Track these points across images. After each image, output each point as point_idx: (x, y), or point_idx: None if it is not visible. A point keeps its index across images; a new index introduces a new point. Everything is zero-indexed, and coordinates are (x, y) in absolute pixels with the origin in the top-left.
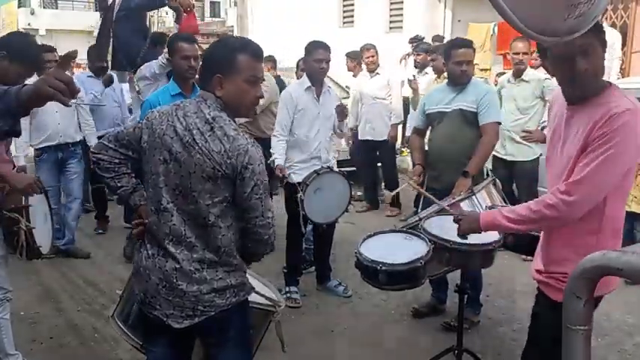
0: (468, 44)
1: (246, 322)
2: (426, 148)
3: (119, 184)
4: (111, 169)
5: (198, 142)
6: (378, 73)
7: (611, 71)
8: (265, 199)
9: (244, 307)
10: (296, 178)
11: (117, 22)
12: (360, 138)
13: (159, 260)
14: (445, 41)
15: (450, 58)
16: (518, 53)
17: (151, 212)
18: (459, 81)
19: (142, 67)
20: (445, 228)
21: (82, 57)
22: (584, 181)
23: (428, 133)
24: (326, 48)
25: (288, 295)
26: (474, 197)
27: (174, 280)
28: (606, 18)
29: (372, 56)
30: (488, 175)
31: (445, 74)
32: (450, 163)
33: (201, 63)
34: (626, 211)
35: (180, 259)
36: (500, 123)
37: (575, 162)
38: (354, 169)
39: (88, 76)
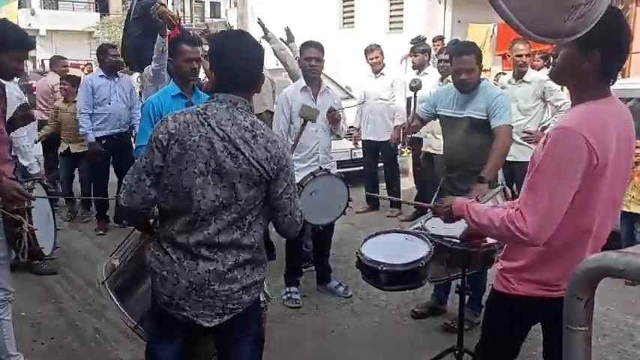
0: (468, 51)
1: (261, 316)
2: (428, 150)
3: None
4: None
5: (244, 151)
6: (382, 74)
7: None
8: (295, 199)
9: (259, 301)
10: None
11: (130, 25)
12: (362, 138)
13: (187, 263)
14: (445, 42)
15: (452, 65)
16: (520, 55)
17: (182, 223)
18: (461, 89)
19: (145, 69)
20: (446, 228)
21: (81, 57)
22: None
23: (440, 137)
24: (317, 46)
25: (289, 295)
26: None
27: (207, 282)
28: None
29: (377, 57)
30: (497, 181)
31: (449, 77)
32: (461, 169)
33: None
34: (626, 212)
35: (215, 261)
36: (512, 126)
37: None
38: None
39: (100, 76)
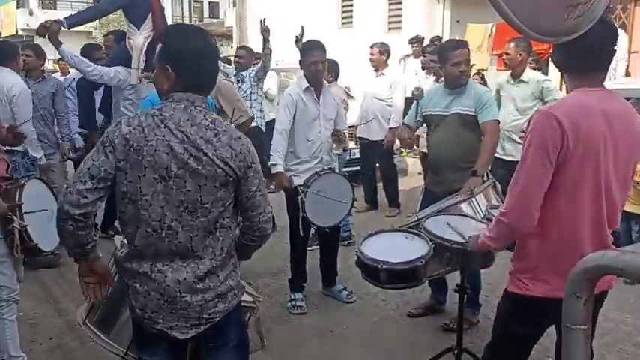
0: (462, 45)
1: (242, 320)
2: (425, 150)
3: (89, 240)
4: (89, 223)
5: (207, 152)
6: (383, 74)
7: (616, 73)
8: (266, 195)
9: (240, 305)
10: (297, 180)
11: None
12: (357, 135)
13: (156, 275)
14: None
15: (446, 61)
16: (508, 53)
17: (147, 234)
18: (458, 82)
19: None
20: (445, 227)
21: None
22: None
23: (426, 136)
24: (320, 48)
25: (293, 302)
26: (472, 199)
27: (178, 293)
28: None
29: (372, 55)
30: (488, 177)
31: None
32: (450, 167)
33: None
34: (624, 211)
35: (184, 272)
36: (499, 121)
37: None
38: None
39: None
